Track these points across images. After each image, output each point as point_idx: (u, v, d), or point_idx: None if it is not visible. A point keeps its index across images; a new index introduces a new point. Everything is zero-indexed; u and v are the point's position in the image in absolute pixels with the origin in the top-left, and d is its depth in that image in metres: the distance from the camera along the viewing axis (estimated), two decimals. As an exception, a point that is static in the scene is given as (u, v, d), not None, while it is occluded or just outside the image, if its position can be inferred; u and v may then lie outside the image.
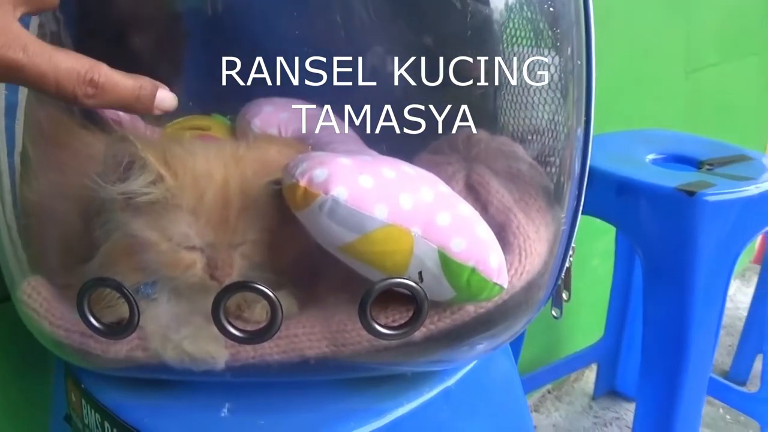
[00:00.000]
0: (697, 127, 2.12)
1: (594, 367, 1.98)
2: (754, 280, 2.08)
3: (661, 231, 1.38)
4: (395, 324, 0.76)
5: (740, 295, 2.54)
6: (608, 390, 1.97)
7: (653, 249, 1.40)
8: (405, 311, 0.77)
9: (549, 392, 1.98)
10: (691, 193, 1.33)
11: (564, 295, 0.92)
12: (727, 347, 2.24)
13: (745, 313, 2.07)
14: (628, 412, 1.89)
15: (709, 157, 1.53)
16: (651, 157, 1.51)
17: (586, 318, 1.94)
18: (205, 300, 0.76)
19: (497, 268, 0.75)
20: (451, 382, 0.84)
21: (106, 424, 0.83)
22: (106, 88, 0.63)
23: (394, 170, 0.74)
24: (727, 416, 1.87)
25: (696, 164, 1.52)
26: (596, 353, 1.91)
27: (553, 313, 0.92)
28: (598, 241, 1.90)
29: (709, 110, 2.24)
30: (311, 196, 0.70)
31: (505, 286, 0.76)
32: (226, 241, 0.75)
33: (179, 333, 0.76)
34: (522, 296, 0.82)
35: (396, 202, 0.71)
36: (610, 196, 1.41)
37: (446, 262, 0.73)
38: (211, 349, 0.75)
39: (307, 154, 0.74)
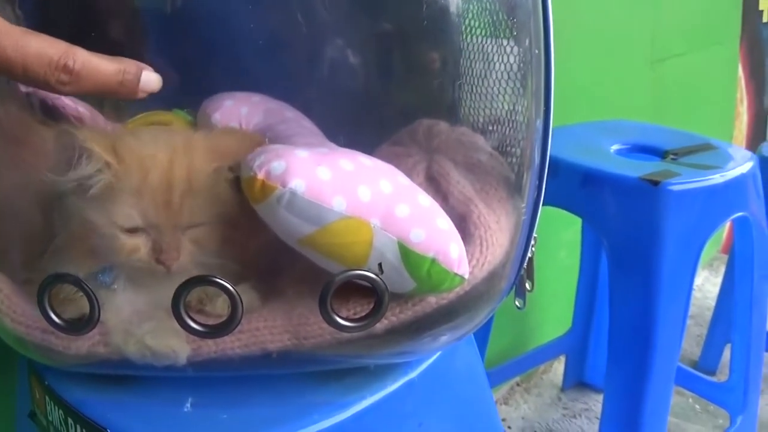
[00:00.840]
0: (662, 117, 2.13)
1: (562, 358, 1.99)
2: (722, 269, 2.10)
3: (626, 221, 1.39)
4: (357, 316, 0.75)
5: (708, 285, 2.57)
6: (577, 381, 1.98)
7: (618, 239, 1.41)
8: (366, 304, 0.78)
9: (518, 384, 1.99)
10: (655, 183, 1.34)
11: (527, 285, 0.92)
12: (696, 337, 2.26)
13: (713, 303, 2.09)
14: (597, 403, 1.90)
15: (673, 146, 1.54)
16: (615, 147, 1.52)
17: (554, 310, 1.95)
18: (165, 291, 0.76)
19: (458, 258, 0.76)
20: (414, 374, 0.84)
21: (70, 421, 0.82)
22: (82, 74, 0.62)
23: (353, 162, 0.74)
24: (696, 406, 1.88)
25: (661, 154, 1.53)
26: (564, 345, 1.92)
27: (517, 303, 0.92)
28: (564, 233, 1.91)
29: (675, 100, 2.26)
30: (269, 189, 0.70)
31: (467, 276, 0.77)
32: (171, 223, 0.75)
33: (141, 328, 0.76)
34: (484, 287, 0.82)
35: (354, 194, 0.72)
36: (574, 187, 1.42)
37: (406, 253, 0.73)
38: (172, 343, 0.75)
39: (266, 147, 0.75)
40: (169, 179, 0.75)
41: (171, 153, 0.76)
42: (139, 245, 0.75)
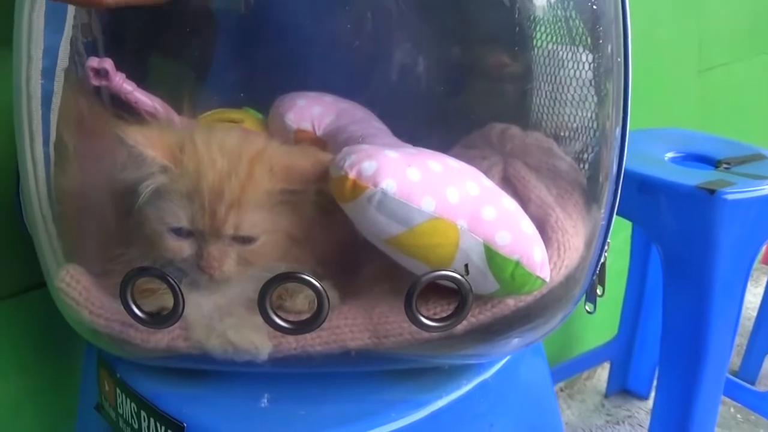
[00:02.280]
0: (709, 125, 2.12)
1: (606, 365, 1.98)
2: (763, 280, 2.08)
3: (681, 229, 1.38)
4: (437, 317, 0.75)
5: (749, 295, 2.53)
6: (620, 388, 1.97)
7: (673, 247, 1.40)
8: (446, 304, 0.78)
9: (561, 390, 1.98)
10: (711, 192, 1.33)
11: (598, 290, 0.91)
12: (736, 347, 2.23)
13: (754, 314, 2.07)
14: (640, 410, 1.89)
15: (726, 156, 1.53)
16: (669, 155, 1.51)
17: (600, 316, 1.93)
18: (245, 287, 0.77)
19: (540, 261, 0.76)
20: (487, 374, 0.84)
21: (143, 414, 0.83)
22: None
23: (440, 163, 0.74)
24: (738, 415, 1.87)
25: (714, 163, 1.52)
26: (609, 351, 1.91)
27: (587, 308, 0.92)
28: (612, 239, 1.90)
29: (722, 109, 2.24)
30: (360, 189, 0.70)
31: (548, 279, 0.77)
32: (214, 232, 0.75)
33: (223, 323, 0.76)
34: (560, 291, 0.82)
35: (443, 195, 0.72)
36: (630, 193, 1.40)
37: (491, 255, 0.73)
38: (255, 339, 0.75)
39: (354, 146, 0.74)
40: (220, 189, 0.75)
41: (234, 162, 0.77)
42: (184, 248, 0.76)
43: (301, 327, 0.72)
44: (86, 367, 0.96)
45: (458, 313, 0.74)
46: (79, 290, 0.79)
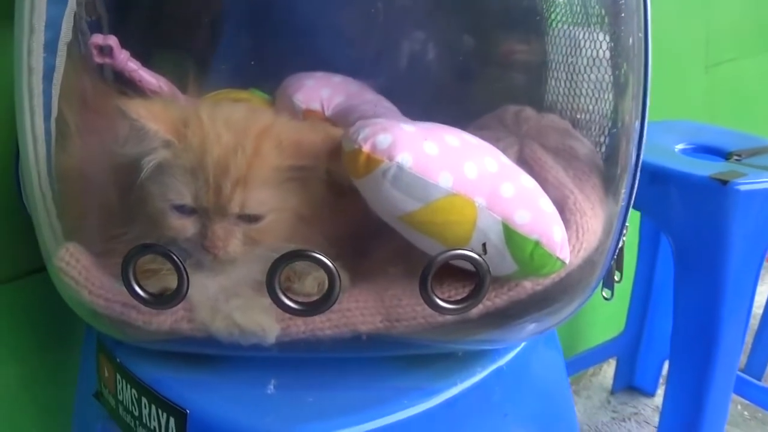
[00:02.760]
0: (716, 121, 2.10)
1: (612, 361, 1.95)
2: (768, 278, 2.06)
3: (693, 220, 1.36)
4: (453, 299, 0.72)
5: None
6: (626, 385, 1.94)
7: (685, 238, 1.38)
8: (461, 287, 0.75)
9: (567, 386, 1.95)
10: (724, 182, 1.32)
11: (615, 276, 0.88)
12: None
13: (760, 311, 2.04)
14: (646, 407, 1.87)
15: (737, 148, 1.51)
16: (680, 147, 1.49)
17: (606, 311, 1.91)
18: (251, 267, 0.75)
19: (560, 242, 0.73)
20: (502, 361, 0.82)
21: (144, 400, 0.79)
22: None
23: (458, 138, 0.71)
24: (745, 412, 1.84)
25: (724, 155, 1.51)
26: (616, 347, 1.88)
27: (604, 294, 0.89)
28: (620, 233, 1.87)
29: (728, 104, 2.23)
30: (374, 163, 0.67)
31: (567, 261, 0.74)
32: (219, 210, 0.72)
33: (229, 304, 0.72)
34: (578, 275, 0.79)
35: (461, 171, 0.69)
36: (641, 184, 1.37)
37: (510, 234, 0.70)
38: (262, 321, 0.72)
39: (368, 120, 0.71)
40: (225, 164, 0.72)
41: (240, 136, 0.74)
42: (187, 226, 0.73)
43: (311, 308, 0.69)
44: (85, 353, 0.93)
45: (475, 295, 0.71)
46: (78, 269, 0.76)
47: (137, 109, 0.72)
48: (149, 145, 0.73)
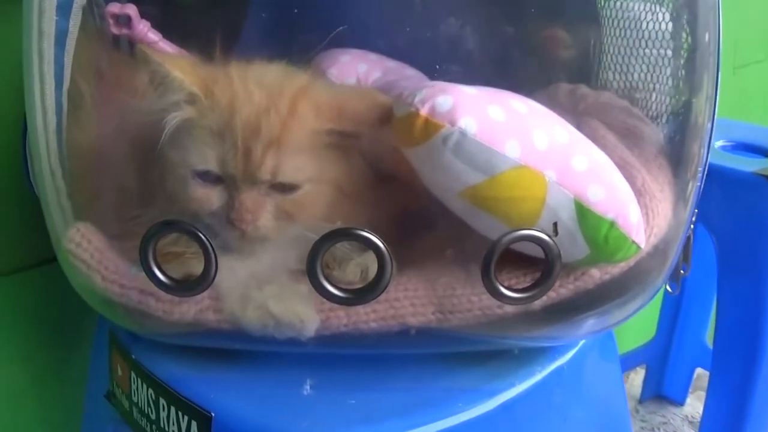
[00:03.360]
0: (746, 119, 2.05)
1: (639, 369, 1.87)
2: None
3: (737, 216, 1.31)
4: (514, 288, 0.63)
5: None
6: (655, 394, 1.87)
7: (728, 235, 1.33)
8: (522, 275, 0.67)
9: (594, 395, 1.87)
10: (768, 178, 1.24)
11: (681, 269, 0.79)
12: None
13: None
14: (675, 416, 1.79)
15: (776, 145, 1.45)
16: (720, 143, 1.43)
17: (637, 317, 1.82)
18: (288, 250, 0.67)
19: (636, 223, 0.65)
20: (563, 360, 0.73)
21: (162, 402, 0.71)
22: None
23: (525, 104, 0.62)
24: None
25: (764, 152, 1.46)
26: (645, 355, 1.81)
27: (668, 288, 0.80)
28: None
29: (756, 105, 2.18)
30: (433, 128, 0.58)
31: (642, 245, 0.66)
32: (248, 177, 0.63)
33: (262, 292, 0.63)
34: (648, 263, 0.71)
35: (530, 140, 0.60)
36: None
37: (583, 213, 0.62)
38: (300, 311, 0.63)
39: (424, 83, 0.62)
40: (257, 125, 0.63)
41: (274, 96, 0.65)
42: (212, 197, 0.65)
43: (358, 296, 0.61)
44: (96, 349, 0.84)
45: (542, 282, 0.63)
46: (90, 252, 0.68)
47: (162, 56, 0.64)
48: (172, 98, 0.65)
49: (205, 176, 0.63)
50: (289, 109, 0.63)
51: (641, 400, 1.80)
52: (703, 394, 1.76)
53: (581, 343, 0.77)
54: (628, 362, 1.78)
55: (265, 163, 0.62)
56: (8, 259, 1.02)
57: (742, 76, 2.13)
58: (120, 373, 0.77)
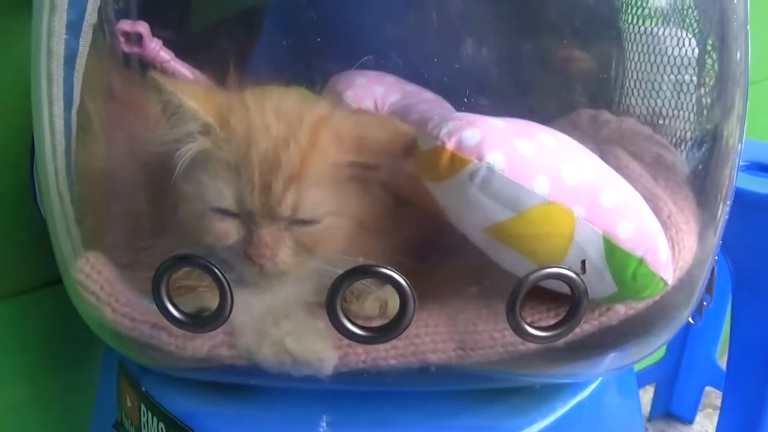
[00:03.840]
0: (759, 137, 2.03)
1: (648, 387, 1.85)
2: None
3: (752, 238, 1.28)
4: (536, 325, 0.61)
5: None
6: (664, 412, 1.85)
7: (744, 257, 1.31)
8: (545, 311, 0.65)
9: (603, 413, 1.85)
10: (785, 201, 1.22)
11: (705, 300, 0.77)
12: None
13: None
14: (684, 436, 1.77)
15: (790, 165, 1.43)
16: (735, 163, 1.40)
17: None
18: (304, 284, 0.65)
19: (665, 260, 0.62)
20: (584, 395, 0.71)
21: (173, 436, 0.68)
22: None
23: (553, 137, 0.60)
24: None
25: (780, 173, 1.42)
26: (655, 373, 1.79)
27: (691, 320, 0.78)
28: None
29: (768, 121, 2.16)
30: (460, 163, 0.56)
31: (670, 282, 0.63)
32: (267, 213, 0.61)
33: (279, 328, 0.61)
34: (673, 297, 0.69)
35: (559, 175, 0.58)
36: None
37: (612, 250, 0.60)
38: (318, 348, 0.61)
39: (449, 114, 0.60)
40: (276, 158, 0.61)
41: (293, 126, 0.63)
42: (230, 231, 0.63)
43: (379, 335, 0.59)
44: (104, 376, 0.82)
45: (568, 320, 0.61)
46: (100, 283, 0.66)
47: (174, 84, 0.62)
48: (185, 128, 0.63)
49: (222, 212, 0.61)
50: (309, 141, 0.61)
51: (650, 418, 1.79)
52: (712, 413, 1.75)
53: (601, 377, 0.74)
54: (637, 380, 1.75)
55: (285, 199, 0.60)
56: (14, 280, 1.00)
57: (756, 92, 2.11)
58: (129, 404, 0.75)
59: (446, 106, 0.81)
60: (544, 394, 0.70)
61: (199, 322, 0.61)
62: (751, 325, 1.32)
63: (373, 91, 0.82)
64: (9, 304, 1.01)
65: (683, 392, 1.79)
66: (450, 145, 0.57)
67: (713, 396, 1.74)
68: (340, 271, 0.59)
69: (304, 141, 0.61)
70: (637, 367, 1.67)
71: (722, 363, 1.48)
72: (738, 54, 0.75)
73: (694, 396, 1.78)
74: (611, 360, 0.70)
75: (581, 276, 0.59)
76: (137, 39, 0.79)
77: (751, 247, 1.31)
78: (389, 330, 0.59)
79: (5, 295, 1.00)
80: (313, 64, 0.85)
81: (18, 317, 1.01)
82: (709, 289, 0.78)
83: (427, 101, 0.81)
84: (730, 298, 1.38)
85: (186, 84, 0.65)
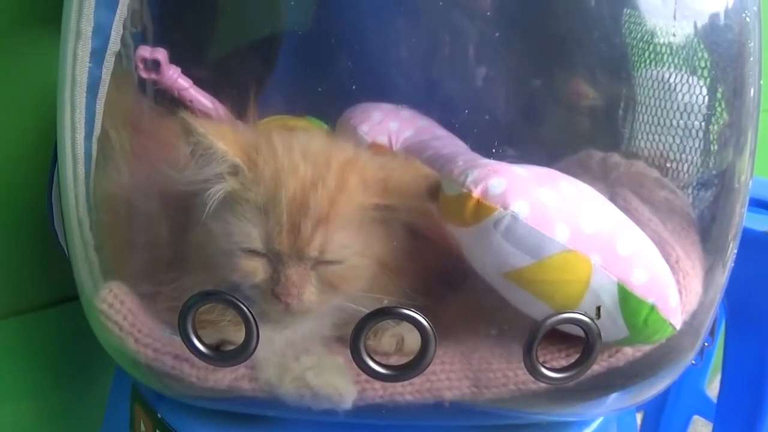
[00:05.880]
0: (763, 169, 2.04)
1: (636, 415, 1.86)
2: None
3: (747, 276, 1.26)
4: (549, 365, 0.63)
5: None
6: (652, 441, 1.86)
7: (739, 294, 1.29)
8: (557, 351, 0.66)
9: (590, 440, 1.86)
10: (780, 239, 1.24)
11: (706, 342, 0.80)
12: None
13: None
14: (670, 464, 1.78)
15: (788, 202, 1.44)
16: (730, 199, 1.41)
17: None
18: (324, 321, 0.67)
19: (675, 306, 0.65)
20: (589, 430, 0.71)
21: (189, 464, 0.69)
22: None
23: (573, 186, 0.62)
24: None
25: (776, 209, 1.43)
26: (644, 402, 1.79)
27: (692, 361, 0.80)
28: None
29: (764, 154, 2.18)
30: (485, 211, 0.58)
31: (678, 327, 0.65)
32: (295, 254, 0.62)
33: (300, 363, 0.63)
34: (679, 341, 0.71)
35: (578, 224, 0.60)
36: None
37: (625, 297, 0.62)
38: (338, 384, 0.63)
39: (472, 160, 0.62)
40: (304, 201, 0.63)
41: (321, 169, 0.64)
42: (257, 270, 0.64)
43: (400, 373, 0.61)
44: (114, 399, 0.83)
45: (582, 362, 0.63)
46: (123, 313, 0.68)
47: (204, 125, 0.63)
48: (214, 170, 0.64)
49: (250, 251, 0.62)
50: (337, 184, 0.62)
51: (637, 447, 1.79)
52: (699, 441, 1.76)
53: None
54: (627, 408, 1.77)
55: (314, 241, 0.61)
56: (21, 299, 1.01)
57: (764, 121, 2.13)
58: (143, 429, 0.76)
59: (459, 144, 0.83)
60: (550, 430, 0.71)
61: (224, 356, 0.63)
62: (744, 360, 1.33)
63: (388, 127, 0.83)
64: (15, 322, 1.01)
65: (671, 420, 1.80)
66: (476, 193, 0.59)
67: (700, 424, 1.75)
68: (363, 309, 0.60)
69: (332, 184, 0.62)
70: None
71: (710, 392, 1.49)
72: (752, 91, 0.76)
73: (682, 424, 1.78)
74: (616, 399, 0.72)
75: (596, 321, 0.61)
76: (155, 66, 0.80)
77: (746, 284, 1.32)
78: (410, 369, 0.61)
79: (11, 313, 1.00)
80: (328, 95, 0.87)
81: (24, 336, 1.02)
82: (711, 331, 0.80)
83: (440, 138, 0.83)
84: (722, 330, 1.40)
85: (214, 124, 0.66)
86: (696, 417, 1.72)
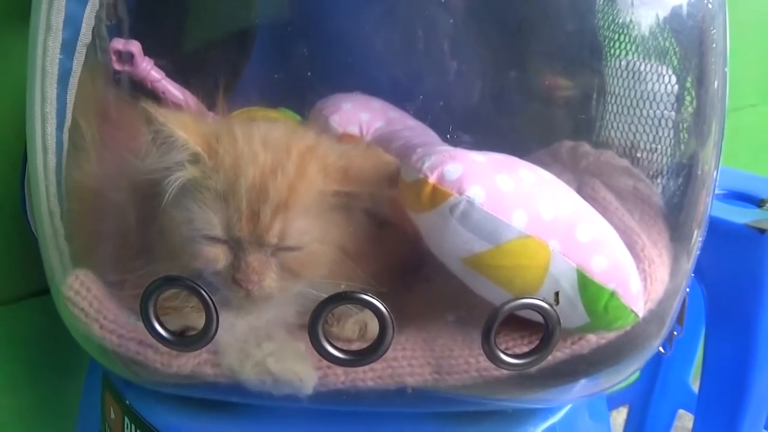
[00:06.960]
0: (736, 164, 2.05)
1: (621, 409, 1.87)
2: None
3: (728, 268, 1.29)
4: (511, 352, 0.64)
5: None
6: (636, 434, 1.86)
7: (718, 286, 1.31)
8: (519, 338, 0.67)
9: (575, 434, 1.87)
10: (762, 231, 1.25)
11: (675, 330, 0.80)
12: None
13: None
14: (656, 458, 1.79)
15: (767, 195, 1.45)
16: (711, 192, 1.41)
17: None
18: (286, 308, 0.67)
19: (636, 293, 0.65)
20: (555, 419, 0.73)
21: (155, 449, 0.69)
22: None
23: (533, 172, 0.63)
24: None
25: (756, 202, 1.44)
26: (628, 395, 1.81)
27: (661, 350, 0.80)
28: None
29: (748, 150, 2.19)
30: (441, 196, 0.58)
31: (641, 315, 0.66)
32: (255, 241, 0.63)
33: (261, 349, 0.63)
34: (643, 328, 0.71)
35: (536, 210, 0.60)
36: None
37: (585, 283, 0.62)
38: (299, 369, 0.63)
39: (432, 147, 0.63)
40: (263, 188, 0.63)
41: (281, 156, 0.65)
42: (218, 257, 0.64)
43: (358, 358, 0.61)
44: (88, 388, 0.84)
45: (542, 349, 0.63)
46: (89, 300, 0.68)
47: (165, 114, 0.63)
48: (175, 157, 0.64)
49: (210, 239, 0.63)
50: (296, 171, 0.63)
51: (622, 441, 1.80)
52: (684, 435, 1.77)
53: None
54: (611, 402, 1.77)
55: (273, 227, 0.62)
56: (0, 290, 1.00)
57: (735, 120, 2.13)
58: (113, 416, 0.77)
59: (430, 134, 0.83)
60: (516, 418, 0.73)
61: (185, 341, 0.63)
62: (724, 352, 1.33)
63: (359, 117, 0.84)
64: (-5, 313, 1.00)
65: (656, 414, 1.80)
66: (432, 179, 0.59)
67: (686, 419, 1.76)
68: (324, 295, 0.61)
69: (292, 171, 0.63)
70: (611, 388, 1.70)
71: (695, 386, 1.50)
72: (716, 83, 0.77)
73: (667, 418, 1.79)
74: (583, 387, 0.72)
75: (554, 307, 0.62)
76: (129, 58, 0.80)
77: (726, 277, 1.33)
78: (368, 354, 0.61)
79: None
80: (301, 86, 0.87)
81: (2, 326, 1.02)
82: (679, 319, 0.80)
83: (411, 128, 0.83)
84: (704, 324, 1.40)
85: (176, 114, 0.66)
86: (682, 411, 1.72)
